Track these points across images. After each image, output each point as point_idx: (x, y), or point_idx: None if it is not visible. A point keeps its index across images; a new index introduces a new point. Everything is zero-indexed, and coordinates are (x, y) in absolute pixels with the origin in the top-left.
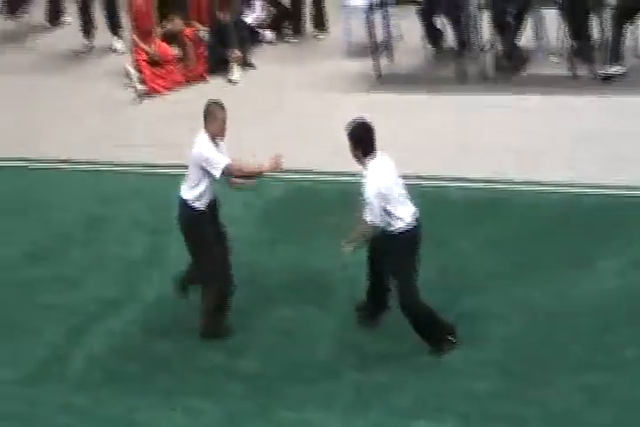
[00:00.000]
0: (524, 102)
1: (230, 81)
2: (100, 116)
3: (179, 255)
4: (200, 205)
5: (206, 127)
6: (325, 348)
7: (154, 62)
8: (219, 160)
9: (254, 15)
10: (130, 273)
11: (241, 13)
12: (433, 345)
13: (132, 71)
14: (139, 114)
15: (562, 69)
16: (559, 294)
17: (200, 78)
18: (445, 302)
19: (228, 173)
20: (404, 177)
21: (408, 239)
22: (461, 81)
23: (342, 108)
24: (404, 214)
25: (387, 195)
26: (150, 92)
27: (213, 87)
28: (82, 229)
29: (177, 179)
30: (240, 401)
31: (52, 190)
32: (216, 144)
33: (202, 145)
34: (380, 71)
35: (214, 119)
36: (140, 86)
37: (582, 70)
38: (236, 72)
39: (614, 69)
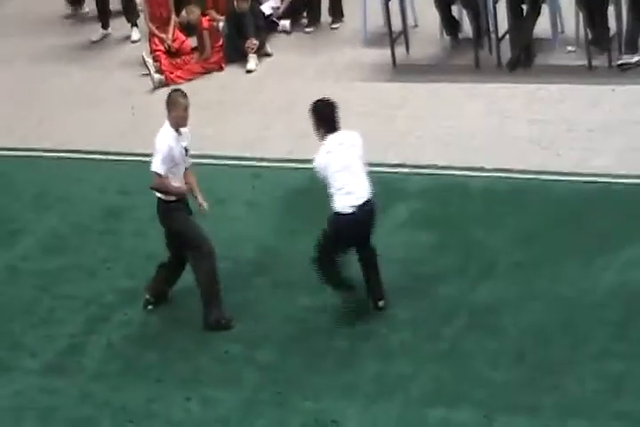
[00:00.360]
0: (541, 92)
1: (247, 71)
2: (117, 105)
3: None
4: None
5: (168, 116)
6: (344, 337)
7: (171, 52)
8: (161, 161)
9: (271, 4)
10: (147, 264)
11: (258, 2)
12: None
13: (150, 61)
14: (156, 104)
15: (578, 59)
16: (580, 284)
17: (217, 68)
18: (463, 290)
19: (155, 178)
20: (421, 166)
21: (334, 223)
22: (477, 70)
23: (359, 96)
24: (340, 203)
25: (324, 176)
26: (167, 82)
27: (230, 77)
28: (100, 220)
29: (194, 169)
30: (257, 391)
31: (69, 181)
32: (179, 133)
33: (160, 135)
34: (396, 60)
35: (176, 107)
36: (157, 76)
37: (599, 60)
38: (253, 61)
39: (632, 59)
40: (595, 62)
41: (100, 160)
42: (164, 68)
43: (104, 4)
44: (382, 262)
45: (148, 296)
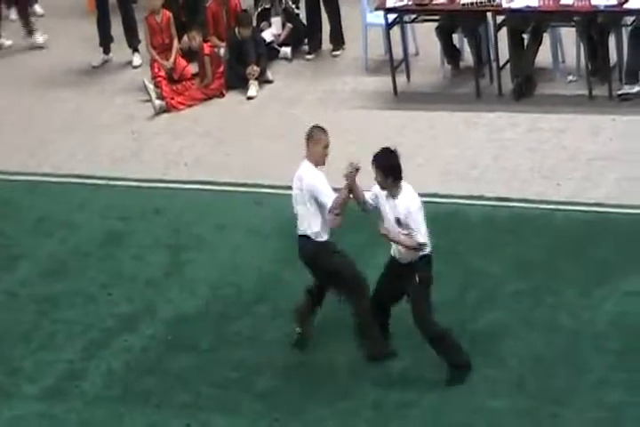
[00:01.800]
0: (541, 121)
1: (248, 97)
2: (118, 131)
3: (196, 272)
4: (323, 237)
5: (309, 153)
6: (344, 365)
7: (172, 78)
8: (330, 194)
9: (272, 31)
10: (148, 289)
11: (259, 29)
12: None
13: (151, 86)
14: (156, 130)
15: (579, 89)
16: (580, 314)
17: (218, 94)
18: (464, 319)
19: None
20: (421, 195)
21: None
22: (478, 99)
23: (360, 124)
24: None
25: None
26: (168, 108)
27: (231, 103)
28: (100, 245)
29: (193, 195)
30: (256, 418)
31: (68, 206)
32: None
33: (314, 175)
34: (397, 88)
35: (317, 144)
36: (157, 102)
37: (599, 90)
38: (254, 88)
39: (632, 89)
40: (595, 92)
41: (101, 186)
42: (165, 93)
43: (105, 30)
44: None
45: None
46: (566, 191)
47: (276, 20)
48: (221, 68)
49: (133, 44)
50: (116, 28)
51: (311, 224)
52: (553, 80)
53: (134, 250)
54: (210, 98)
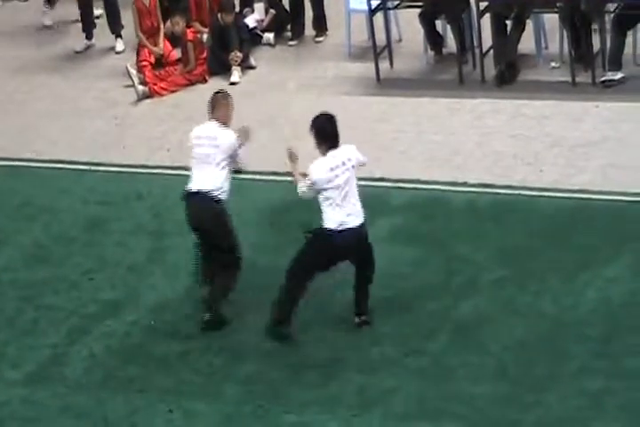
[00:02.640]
0: (524, 108)
1: (231, 83)
2: (101, 116)
3: (179, 258)
4: (224, 196)
5: (217, 116)
6: (327, 351)
7: (156, 63)
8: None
9: (255, 17)
10: (130, 275)
11: (242, 15)
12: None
13: (134, 72)
14: (138, 115)
15: (562, 75)
16: (562, 300)
17: (201, 80)
18: (446, 306)
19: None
20: (404, 181)
21: (320, 241)
22: (461, 85)
23: (342, 110)
24: (330, 219)
25: (320, 190)
26: (151, 94)
27: (214, 89)
28: (82, 230)
29: (175, 181)
30: (239, 404)
31: (51, 192)
32: None
33: (228, 134)
34: (380, 74)
35: (221, 106)
36: (140, 87)
37: (582, 76)
38: (237, 74)
39: (615, 76)
40: (578, 79)
41: (83, 171)
42: (147, 79)
43: (88, 15)
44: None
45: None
46: (550, 178)
47: (259, 6)
48: (204, 54)
49: (116, 30)
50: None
51: (222, 183)
52: (536, 66)
53: (117, 235)
54: (193, 84)
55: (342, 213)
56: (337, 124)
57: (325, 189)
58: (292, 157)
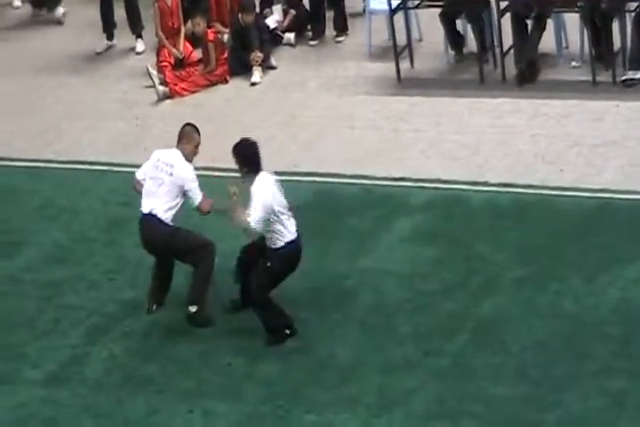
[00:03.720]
0: (544, 107)
1: (252, 83)
2: (121, 117)
3: None
4: (172, 221)
5: (182, 148)
6: (347, 352)
7: (176, 64)
8: (199, 190)
9: (275, 17)
10: (149, 275)
11: (262, 16)
12: (274, 337)
13: (154, 72)
14: (159, 116)
15: (582, 74)
16: (583, 300)
17: (222, 80)
18: (467, 305)
19: (200, 208)
20: (425, 180)
21: (286, 255)
22: (482, 85)
23: (363, 110)
24: (289, 232)
25: (274, 210)
26: (172, 94)
27: (234, 90)
28: (103, 231)
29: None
30: (259, 404)
31: (71, 192)
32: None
33: (186, 167)
34: (401, 74)
35: (191, 140)
36: (161, 88)
37: (603, 76)
38: (258, 74)
39: (636, 75)
40: (599, 78)
41: (104, 171)
42: (168, 80)
43: (108, 16)
44: (384, 276)
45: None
46: (570, 177)
47: (279, 7)
48: (225, 55)
49: (136, 31)
50: (120, 14)
51: (168, 211)
52: (556, 66)
53: (137, 236)
54: (213, 84)
55: (293, 223)
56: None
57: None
58: (234, 195)
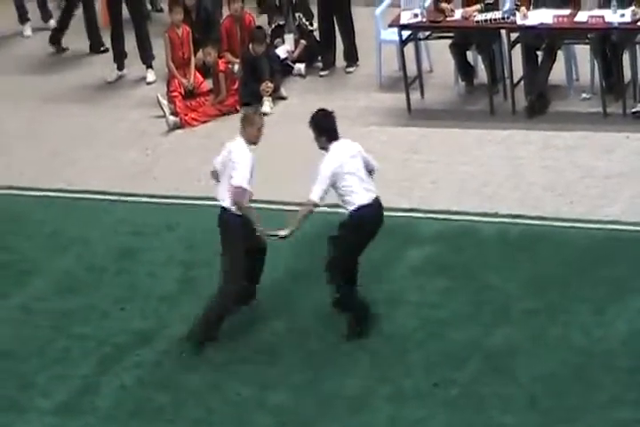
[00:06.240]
0: (554, 139)
1: (262, 114)
2: (131, 147)
3: (209, 288)
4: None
5: (243, 133)
6: (357, 381)
7: (186, 94)
8: (245, 173)
9: (286, 48)
10: (161, 305)
11: (273, 46)
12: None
13: (165, 102)
14: (170, 146)
15: (593, 106)
16: (592, 331)
17: (232, 110)
18: (477, 336)
19: (238, 194)
20: (435, 212)
21: (359, 220)
22: (492, 116)
23: (373, 141)
24: (357, 200)
25: (339, 174)
26: (182, 125)
27: None
28: (113, 260)
29: (206, 211)
30: None
31: (82, 222)
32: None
33: (242, 151)
34: (411, 105)
35: (252, 124)
36: (171, 118)
37: (613, 107)
38: (268, 104)
39: None
40: (609, 110)
41: (114, 201)
42: (178, 110)
43: (120, 46)
44: (395, 306)
45: None
46: (580, 209)
47: (290, 37)
48: (236, 85)
49: (147, 61)
50: (130, 44)
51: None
52: (567, 97)
53: (148, 266)
54: (224, 114)
55: (364, 191)
56: (335, 119)
57: (340, 179)
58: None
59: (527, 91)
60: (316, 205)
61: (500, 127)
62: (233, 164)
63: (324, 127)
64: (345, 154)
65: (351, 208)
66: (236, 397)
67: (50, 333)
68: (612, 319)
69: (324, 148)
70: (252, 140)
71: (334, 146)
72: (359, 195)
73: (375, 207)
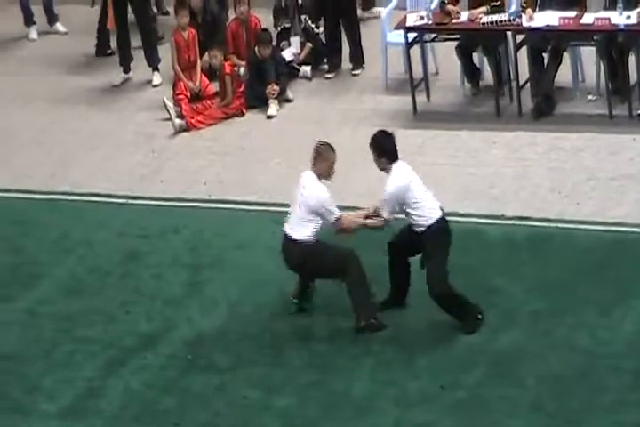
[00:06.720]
0: (560, 141)
1: (268, 116)
2: (138, 149)
3: (215, 291)
4: (311, 240)
5: (315, 167)
6: (363, 385)
7: (192, 97)
8: (334, 209)
9: (292, 50)
10: (167, 308)
11: (279, 49)
12: (467, 325)
13: (171, 105)
14: (176, 149)
15: (599, 108)
16: (598, 334)
17: (238, 113)
18: (483, 338)
19: (338, 224)
20: None
21: (440, 228)
22: (498, 118)
23: None
24: (430, 211)
25: (408, 193)
26: (188, 127)
27: (251, 123)
28: (119, 263)
29: (212, 214)
30: None
31: (88, 225)
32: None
33: (317, 188)
34: (417, 107)
35: (324, 160)
36: (177, 121)
37: (619, 109)
38: (274, 107)
39: None
40: (615, 111)
41: (121, 204)
42: (184, 112)
43: (125, 49)
44: (402, 308)
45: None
46: (586, 210)
47: (296, 40)
48: (241, 88)
49: (153, 64)
50: (137, 47)
51: (302, 229)
52: (573, 99)
53: (154, 269)
54: (230, 117)
55: (434, 204)
56: (394, 140)
57: (411, 196)
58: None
59: (533, 93)
60: (388, 222)
61: (507, 129)
62: (311, 200)
63: (385, 148)
64: (410, 171)
65: (429, 222)
66: (242, 400)
67: (55, 336)
68: (617, 321)
69: (385, 169)
70: (324, 176)
71: (397, 166)
72: (434, 209)
73: (445, 220)
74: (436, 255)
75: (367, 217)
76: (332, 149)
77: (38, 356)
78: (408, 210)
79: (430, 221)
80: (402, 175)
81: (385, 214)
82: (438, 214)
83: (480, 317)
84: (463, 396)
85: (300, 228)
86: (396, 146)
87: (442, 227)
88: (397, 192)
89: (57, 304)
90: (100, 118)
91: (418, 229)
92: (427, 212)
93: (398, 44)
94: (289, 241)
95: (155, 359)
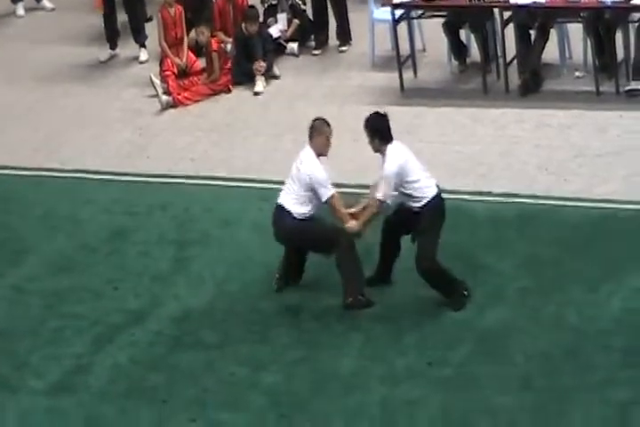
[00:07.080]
0: (548, 118)
1: (255, 93)
2: (125, 126)
3: (202, 268)
4: (305, 217)
5: (312, 142)
6: (350, 362)
7: (179, 73)
8: (328, 186)
9: (279, 27)
10: (154, 285)
11: (266, 25)
12: (453, 302)
13: (157, 82)
14: (162, 125)
15: (586, 85)
16: (586, 310)
17: (225, 90)
18: (471, 316)
19: (330, 203)
20: None
21: (436, 205)
22: (485, 95)
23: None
24: (426, 190)
25: (406, 172)
26: (175, 104)
27: (238, 99)
28: (106, 240)
29: (199, 191)
30: (262, 413)
31: (75, 201)
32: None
33: (313, 164)
34: (404, 84)
35: (320, 134)
36: (164, 97)
37: (606, 86)
38: (261, 84)
39: (639, 85)
40: (602, 88)
41: (107, 181)
42: (171, 89)
43: (112, 25)
44: (389, 286)
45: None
46: (574, 187)
47: (283, 16)
48: (228, 64)
49: (140, 40)
50: (124, 23)
51: (297, 205)
52: (560, 76)
53: (140, 245)
54: (217, 93)
55: (430, 182)
56: (388, 121)
57: (408, 175)
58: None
59: (520, 70)
60: (384, 203)
61: (494, 106)
62: (306, 176)
63: (379, 129)
64: (405, 151)
65: (424, 201)
66: (230, 376)
67: (43, 312)
68: (605, 298)
69: (380, 150)
70: (321, 151)
71: (391, 146)
72: (430, 188)
73: (441, 197)
74: (428, 233)
75: (362, 210)
76: (328, 123)
77: (26, 332)
78: (403, 190)
79: (425, 200)
80: (399, 155)
81: (380, 195)
82: (434, 192)
83: (466, 293)
84: (450, 373)
85: (295, 204)
86: (390, 127)
87: (438, 205)
88: (398, 171)
89: (44, 281)
90: (87, 95)
91: (414, 207)
92: (423, 191)
93: (385, 21)
94: (281, 211)
95: (143, 336)
